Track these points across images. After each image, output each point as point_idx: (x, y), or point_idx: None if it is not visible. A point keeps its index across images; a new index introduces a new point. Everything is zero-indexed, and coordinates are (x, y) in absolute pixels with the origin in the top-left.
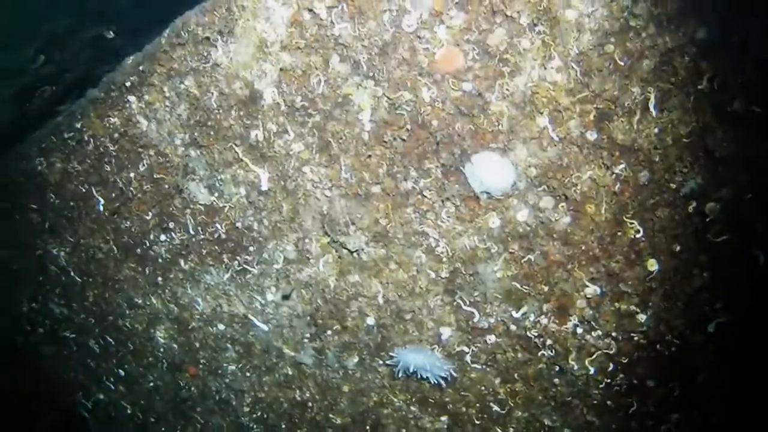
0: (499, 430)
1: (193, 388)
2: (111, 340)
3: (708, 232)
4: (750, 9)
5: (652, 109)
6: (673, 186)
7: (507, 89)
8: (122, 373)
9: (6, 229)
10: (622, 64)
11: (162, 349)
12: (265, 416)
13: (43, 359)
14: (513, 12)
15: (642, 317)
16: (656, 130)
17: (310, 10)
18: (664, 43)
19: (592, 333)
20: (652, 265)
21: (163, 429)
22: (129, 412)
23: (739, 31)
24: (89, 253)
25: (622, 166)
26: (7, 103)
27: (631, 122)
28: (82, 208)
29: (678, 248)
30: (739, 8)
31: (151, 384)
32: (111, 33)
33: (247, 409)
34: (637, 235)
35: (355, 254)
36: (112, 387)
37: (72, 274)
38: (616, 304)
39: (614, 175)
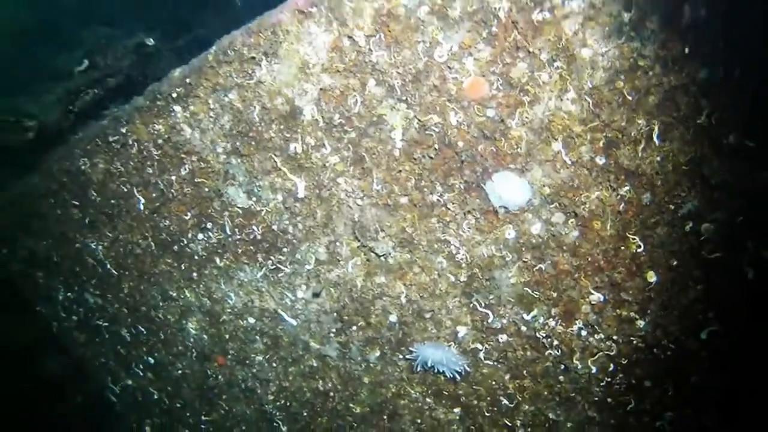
0: (507, 422)
1: (220, 377)
2: (143, 329)
3: (702, 249)
4: (745, 55)
5: (655, 139)
6: (672, 207)
7: (526, 116)
8: (152, 360)
9: (46, 223)
10: (630, 98)
11: (192, 340)
12: (288, 404)
13: (75, 345)
14: (535, 49)
15: (641, 323)
16: (658, 158)
17: (350, 38)
18: (669, 82)
19: (595, 336)
20: (651, 276)
21: (188, 414)
22: (156, 397)
23: (736, 74)
24: (127, 248)
25: (627, 188)
26: (55, 105)
27: (636, 150)
28: (122, 206)
29: (675, 263)
30: (735, 53)
31: (180, 372)
32: (151, 40)
33: (271, 398)
34: (638, 250)
35: (382, 258)
36: (141, 373)
37: (108, 266)
38: (618, 310)
39: (619, 196)
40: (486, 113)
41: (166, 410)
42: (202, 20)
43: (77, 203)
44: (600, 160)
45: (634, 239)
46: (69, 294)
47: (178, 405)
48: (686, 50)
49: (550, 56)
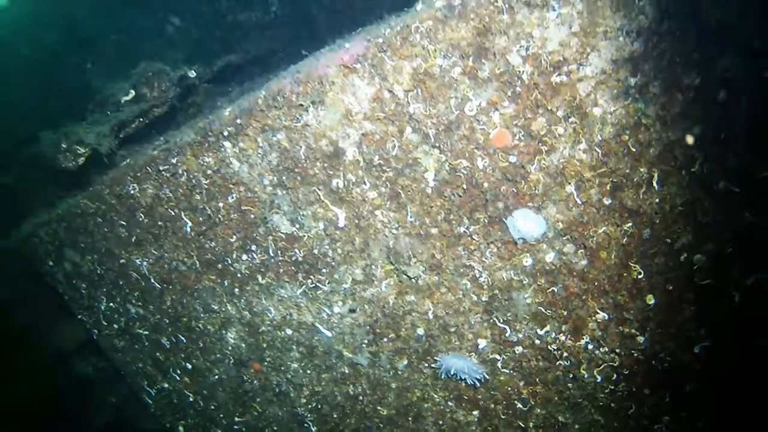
0: (521, 423)
1: (255, 382)
2: (182, 338)
3: (695, 276)
4: (732, 117)
5: (655, 184)
6: (669, 241)
7: (543, 163)
8: (189, 366)
9: (92, 240)
10: (634, 150)
11: (230, 348)
12: (320, 407)
13: (113, 351)
14: (553, 107)
15: (641, 339)
16: (657, 200)
17: (390, 91)
18: (667, 137)
19: (600, 349)
20: (650, 299)
21: (221, 415)
22: (191, 399)
23: (723, 134)
24: (172, 264)
25: (630, 224)
26: (105, 132)
27: (638, 193)
28: (169, 228)
29: (671, 287)
30: (724, 116)
31: (216, 377)
32: (193, 72)
33: (303, 401)
34: (639, 276)
35: (413, 279)
36: (178, 378)
37: (152, 281)
38: (620, 327)
39: (623, 231)
40: (509, 159)
41: (200, 411)
42: (233, 46)
43: (124, 223)
44: (607, 201)
45: (636, 267)
46: (111, 304)
47: (213, 407)
48: (682, 111)
49: (566, 113)
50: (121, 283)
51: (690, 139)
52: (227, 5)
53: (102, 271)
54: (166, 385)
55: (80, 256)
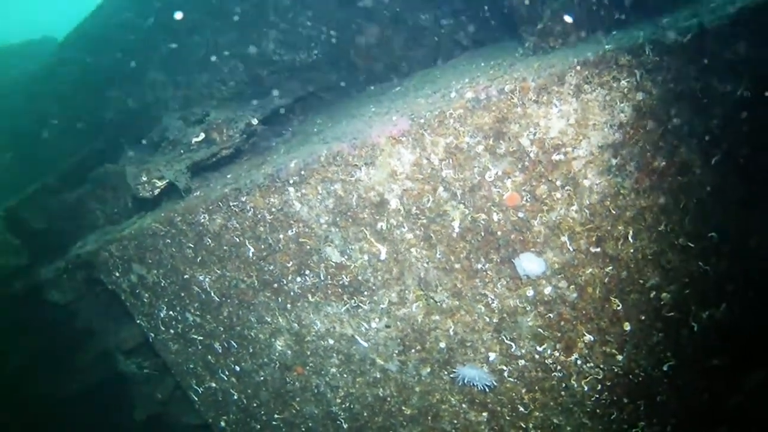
0: (522, 424)
1: (296, 383)
2: (234, 344)
3: (662, 309)
4: (688, 190)
5: (630, 238)
6: (641, 281)
7: (544, 219)
8: (237, 368)
9: (160, 257)
10: (614, 212)
11: (277, 353)
12: (352, 406)
13: (167, 352)
14: (553, 178)
15: (620, 357)
16: (632, 250)
17: (428, 159)
18: (640, 204)
19: (587, 364)
20: (627, 326)
21: (262, 412)
22: (235, 397)
23: (682, 199)
24: (232, 282)
25: (611, 267)
26: (180, 169)
27: (617, 244)
28: (233, 252)
29: (643, 317)
30: (681, 188)
31: (261, 378)
32: (255, 120)
33: (338, 401)
34: (618, 308)
35: (438, 303)
36: (225, 378)
37: (212, 295)
38: (603, 347)
39: (605, 272)
40: (518, 215)
41: (242, 408)
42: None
43: (192, 245)
44: (593, 249)
45: (615, 301)
46: (171, 312)
47: (255, 404)
48: (651, 185)
49: (563, 183)
50: (182, 294)
51: (657, 206)
52: (273, 47)
53: (165, 284)
54: (214, 384)
55: (146, 270)
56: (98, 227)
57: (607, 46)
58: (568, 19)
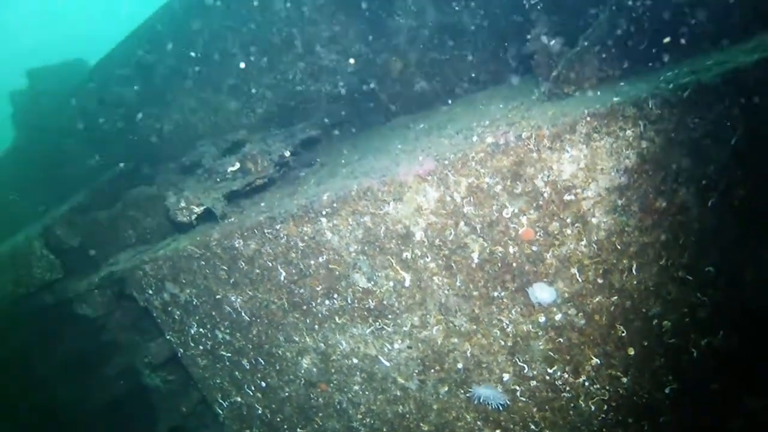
0: None
1: (320, 399)
2: (262, 361)
3: (663, 336)
4: (687, 227)
5: (634, 271)
6: (644, 310)
7: (555, 252)
8: (263, 384)
9: (194, 278)
10: (620, 247)
11: (303, 371)
12: (372, 422)
13: (195, 367)
14: (564, 216)
15: (624, 380)
16: (635, 282)
17: (451, 197)
18: (643, 240)
19: (594, 386)
20: (631, 351)
21: (285, 426)
22: (260, 412)
23: (682, 236)
24: (263, 303)
25: (616, 297)
26: (221, 198)
27: (622, 276)
28: (265, 276)
29: (646, 343)
30: (680, 226)
31: (286, 394)
32: (288, 152)
33: (359, 417)
34: (623, 334)
35: (457, 327)
36: (251, 393)
37: (243, 314)
38: (609, 370)
39: (611, 302)
40: (531, 248)
41: (266, 423)
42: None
43: (226, 268)
44: (600, 280)
45: (620, 328)
46: (201, 330)
47: (278, 419)
48: (653, 224)
49: (573, 220)
50: (213, 313)
51: (658, 243)
52: (301, 77)
53: (198, 303)
54: (239, 399)
55: (179, 289)
56: (129, 246)
57: (615, 99)
58: (581, 68)
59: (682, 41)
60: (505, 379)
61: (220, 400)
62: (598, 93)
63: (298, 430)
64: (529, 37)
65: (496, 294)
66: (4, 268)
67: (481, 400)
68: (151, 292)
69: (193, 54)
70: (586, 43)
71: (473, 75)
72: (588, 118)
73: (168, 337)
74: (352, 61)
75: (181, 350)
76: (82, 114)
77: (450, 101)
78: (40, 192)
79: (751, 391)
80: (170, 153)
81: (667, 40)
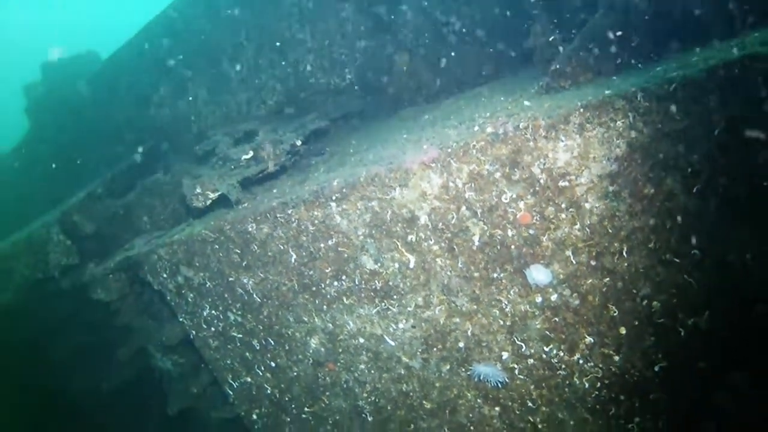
0: (530, 418)
1: (327, 378)
2: (272, 341)
3: (653, 316)
4: (673, 212)
5: (625, 254)
6: (635, 291)
7: (551, 236)
8: (273, 364)
9: (207, 261)
10: (611, 231)
11: (311, 351)
12: (377, 401)
13: (207, 349)
14: (559, 201)
15: (616, 358)
16: (626, 264)
17: (453, 183)
18: (633, 225)
19: (588, 363)
20: (623, 330)
21: (293, 406)
22: (269, 392)
23: (668, 221)
24: (274, 285)
25: (608, 279)
26: (235, 185)
27: (614, 258)
28: (277, 258)
29: (636, 323)
30: (668, 211)
31: (295, 374)
32: (299, 141)
33: (365, 395)
34: (615, 314)
35: (458, 307)
36: (260, 373)
37: (254, 296)
38: (602, 349)
39: (603, 283)
40: (529, 232)
41: (274, 402)
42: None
43: (239, 251)
44: (593, 263)
45: (612, 308)
46: (213, 311)
47: (287, 398)
48: (642, 209)
49: (567, 205)
50: (225, 295)
51: (647, 227)
52: (311, 70)
53: (211, 285)
54: (249, 379)
55: (193, 272)
56: (144, 232)
57: (606, 92)
58: (576, 63)
59: (673, 39)
60: (504, 357)
61: (231, 381)
62: (592, 87)
63: (306, 409)
64: (530, 32)
65: (495, 275)
66: (22, 255)
67: (481, 378)
68: (165, 275)
69: (205, 46)
70: (581, 40)
71: (477, 69)
72: (581, 110)
73: (181, 320)
74: (359, 54)
75: (194, 332)
76: (96, 105)
77: (454, 94)
78: (55, 182)
79: (734, 367)
80: (183, 143)
81: (659, 37)
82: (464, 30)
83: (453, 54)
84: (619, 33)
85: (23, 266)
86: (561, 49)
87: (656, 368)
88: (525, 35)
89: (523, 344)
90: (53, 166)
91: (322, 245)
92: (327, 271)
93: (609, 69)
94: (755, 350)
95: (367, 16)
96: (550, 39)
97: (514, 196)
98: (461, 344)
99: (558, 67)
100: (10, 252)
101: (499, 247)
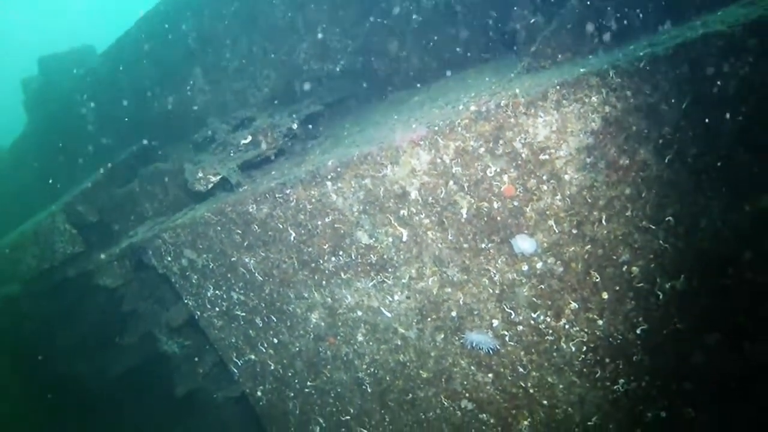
0: (521, 383)
1: (328, 352)
2: (274, 318)
3: (633, 281)
4: (649, 182)
5: (604, 222)
6: (615, 257)
7: (534, 206)
8: (275, 341)
9: (210, 243)
10: (589, 201)
11: (312, 326)
12: (376, 372)
13: (212, 329)
14: (540, 173)
15: (600, 322)
16: (605, 231)
17: (441, 159)
18: (610, 194)
19: (573, 328)
20: (605, 295)
21: (296, 380)
22: (272, 368)
23: (643, 190)
24: (274, 263)
25: (589, 246)
26: (236, 168)
27: (593, 227)
28: (277, 237)
29: (617, 288)
30: (643, 181)
31: (297, 349)
32: (295, 124)
33: (364, 367)
34: (597, 280)
35: (450, 277)
36: (264, 350)
37: (256, 275)
38: (586, 313)
39: (584, 250)
40: (513, 203)
41: (278, 378)
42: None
43: (240, 232)
44: (574, 231)
45: (594, 274)
46: (217, 292)
47: (290, 374)
48: (618, 179)
49: (548, 177)
50: (228, 275)
51: (624, 196)
52: (304, 57)
53: (214, 266)
54: (253, 357)
55: (197, 255)
56: (147, 219)
57: (581, 70)
58: (556, 44)
59: (648, 18)
60: (494, 324)
61: (236, 359)
62: (570, 66)
63: (309, 383)
64: (513, 14)
65: (483, 246)
66: (29, 245)
67: (474, 346)
68: (170, 258)
69: (201, 36)
70: (560, 22)
71: (464, 52)
72: (557, 87)
73: (186, 301)
74: (352, 41)
75: (199, 313)
76: (93, 97)
77: (443, 76)
78: (54, 174)
79: (710, 329)
80: (180, 132)
81: (633, 18)
82: (455, 14)
83: (442, 38)
84: (595, 15)
85: (30, 257)
86: (541, 30)
87: (638, 331)
88: (509, 18)
89: (512, 311)
90: (49, 160)
91: (319, 223)
92: (325, 247)
93: (586, 49)
94: (729, 311)
95: (359, 2)
96: (531, 21)
97: (498, 170)
98: (454, 313)
99: (538, 47)
100: (17, 243)
101: (485, 219)
